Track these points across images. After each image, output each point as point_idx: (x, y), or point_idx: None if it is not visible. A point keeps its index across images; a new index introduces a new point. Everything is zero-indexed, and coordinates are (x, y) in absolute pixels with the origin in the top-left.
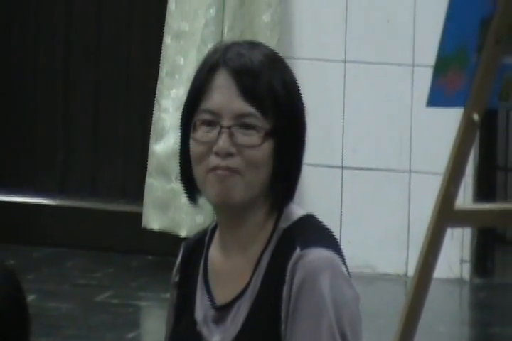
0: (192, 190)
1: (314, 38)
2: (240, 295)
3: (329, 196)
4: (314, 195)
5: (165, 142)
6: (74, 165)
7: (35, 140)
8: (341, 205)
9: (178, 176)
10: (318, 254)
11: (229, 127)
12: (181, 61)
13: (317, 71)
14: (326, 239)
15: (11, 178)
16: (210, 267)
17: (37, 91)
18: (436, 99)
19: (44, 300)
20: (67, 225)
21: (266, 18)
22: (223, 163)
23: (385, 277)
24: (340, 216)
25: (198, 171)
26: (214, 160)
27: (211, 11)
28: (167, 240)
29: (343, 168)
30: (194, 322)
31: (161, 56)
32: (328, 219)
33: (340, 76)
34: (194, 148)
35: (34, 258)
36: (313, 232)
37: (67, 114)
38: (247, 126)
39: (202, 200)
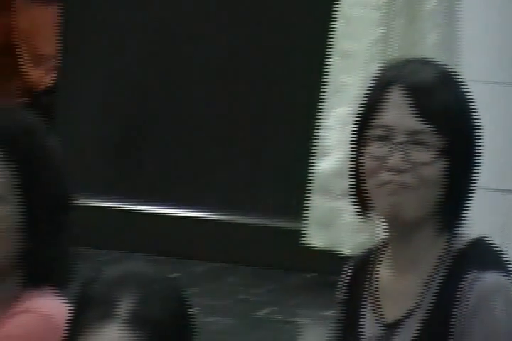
0: (361, 204)
1: (482, 59)
2: (410, 313)
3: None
4: (482, 219)
5: (329, 160)
6: (236, 181)
7: (198, 155)
8: None
9: (342, 194)
10: (494, 278)
11: (402, 143)
12: (347, 80)
13: (486, 94)
14: (501, 263)
15: (175, 193)
16: (378, 285)
17: (197, 102)
18: None
19: (205, 314)
20: (230, 240)
21: (434, 37)
22: (396, 178)
23: None
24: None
25: (370, 185)
26: (386, 176)
27: (379, 29)
28: (326, 258)
29: None
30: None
31: (326, 75)
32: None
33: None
34: (367, 162)
35: (196, 273)
36: (489, 255)
37: (229, 129)
38: (421, 143)
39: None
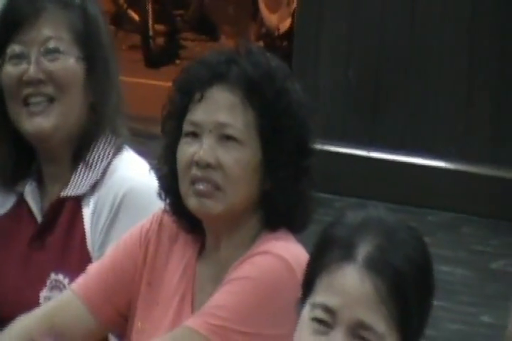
0: None
1: None
2: None
3: None
4: None
5: None
6: (476, 131)
7: (438, 107)
8: None
9: None
10: None
11: None
12: None
13: None
14: None
15: (413, 141)
16: None
17: (441, 62)
18: None
19: (438, 264)
20: (465, 191)
21: None
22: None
23: None
24: None
25: None
26: None
27: None
28: None
29: None
30: None
31: None
32: None
33: None
34: None
35: (430, 222)
36: None
37: (470, 83)
38: None
39: None
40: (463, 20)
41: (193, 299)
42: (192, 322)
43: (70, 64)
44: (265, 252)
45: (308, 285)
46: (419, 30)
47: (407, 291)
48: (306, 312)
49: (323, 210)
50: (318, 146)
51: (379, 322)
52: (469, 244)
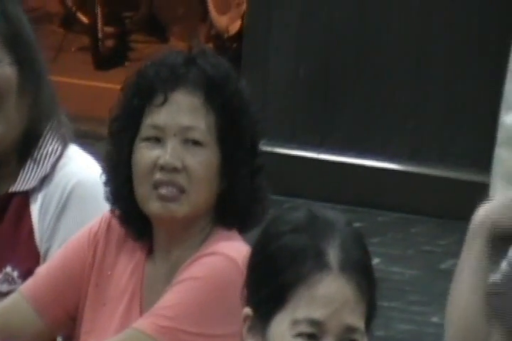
0: None
1: None
2: None
3: None
4: None
5: None
6: (425, 132)
7: (387, 106)
8: None
9: None
10: None
11: None
12: None
13: None
14: None
15: (363, 142)
16: None
17: (390, 60)
18: None
19: (388, 264)
20: (414, 191)
21: None
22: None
23: None
24: None
25: None
26: None
27: None
28: None
29: None
30: None
31: None
32: None
33: None
34: None
35: (380, 222)
36: None
37: (419, 83)
38: None
39: None
40: (412, 15)
41: (142, 299)
42: (140, 323)
43: (5, 72)
44: (214, 253)
45: (273, 297)
46: (369, 30)
47: (374, 283)
48: (285, 330)
49: (272, 211)
50: (268, 148)
51: (360, 320)
52: (419, 244)
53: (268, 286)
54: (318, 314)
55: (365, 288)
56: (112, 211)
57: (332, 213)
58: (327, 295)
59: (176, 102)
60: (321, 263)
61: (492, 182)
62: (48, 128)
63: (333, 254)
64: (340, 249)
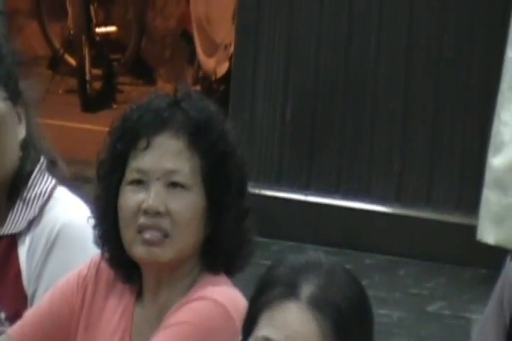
0: None
1: None
2: None
3: None
4: None
5: (503, 156)
6: (410, 174)
7: (373, 150)
8: None
9: None
10: None
11: None
12: None
13: None
14: None
15: (348, 184)
16: None
17: (376, 103)
18: None
19: (375, 306)
20: (401, 233)
21: None
22: None
23: None
24: None
25: None
26: None
27: None
28: (500, 254)
29: None
30: None
31: (503, 69)
32: None
33: None
34: None
35: (367, 265)
36: None
37: (405, 126)
38: None
39: None
40: (399, 55)
41: None
42: None
43: (1, 109)
44: (202, 298)
45: (250, 324)
46: (355, 76)
47: (349, 329)
48: None
49: (259, 253)
50: (256, 190)
51: None
52: (406, 287)
53: (246, 315)
54: (275, 336)
55: (332, 332)
56: (101, 254)
57: (331, 259)
58: (287, 320)
59: (160, 146)
60: (291, 292)
61: (479, 224)
62: (37, 168)
63: (306, 288)
64: (317, 287)
